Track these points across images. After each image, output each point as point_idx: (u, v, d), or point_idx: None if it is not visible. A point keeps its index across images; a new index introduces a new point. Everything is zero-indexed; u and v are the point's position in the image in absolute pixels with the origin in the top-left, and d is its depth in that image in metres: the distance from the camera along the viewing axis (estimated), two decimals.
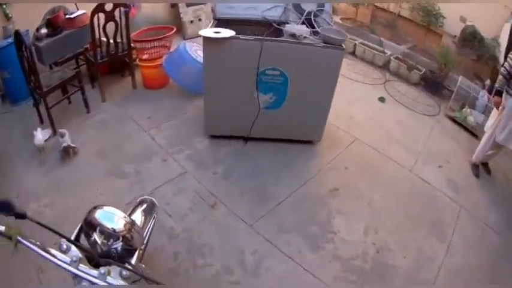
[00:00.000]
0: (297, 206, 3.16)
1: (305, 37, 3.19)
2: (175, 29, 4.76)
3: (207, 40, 3.10)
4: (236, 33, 3.06)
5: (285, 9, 3.43)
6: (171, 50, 4.60)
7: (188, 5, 6.02)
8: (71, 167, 3.37)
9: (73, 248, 1.08)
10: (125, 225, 1.26)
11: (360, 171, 3.69)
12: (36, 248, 0.98)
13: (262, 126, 3.51)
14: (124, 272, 1.09)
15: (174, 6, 6.12)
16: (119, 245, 1.22)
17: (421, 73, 5.66)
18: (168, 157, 3.51)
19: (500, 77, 3.79)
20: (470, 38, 5.63)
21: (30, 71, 3.44)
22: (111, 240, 1.21)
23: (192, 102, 4.28)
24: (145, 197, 2.19)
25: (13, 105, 4.13)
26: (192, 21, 6.10)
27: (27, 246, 0.95)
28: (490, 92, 5.26)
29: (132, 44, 4.30)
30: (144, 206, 2.02)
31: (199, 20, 6.18)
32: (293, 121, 3.56)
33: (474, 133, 4.94)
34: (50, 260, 1.02)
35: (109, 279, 1.01)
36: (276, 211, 3.07)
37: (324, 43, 3.17)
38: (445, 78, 5.59)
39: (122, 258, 1.27)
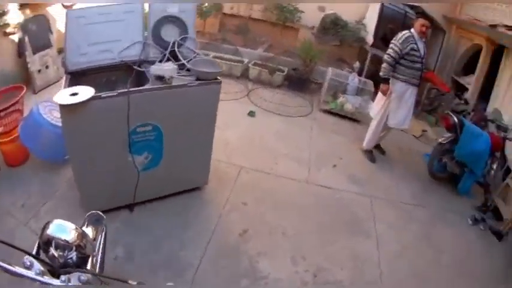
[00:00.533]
0: (215, 265, 3.08)
1: (173, 77, 3.05)
2: (25, 89, 4.41)
3: (63, 107, 2.76)
4: (96, 87, 2.77)
5: (144, 45, 3.24)
6: (25, 113, 4.25)
7: (34, 52, 5.66)
8: None
9: (35, 262, 1.31)
10: (76, 235, 1.50)
11: (260, 203, 3.74)
12: (4, 265, 1.19)
13: (146, 188, 3.31)
14: (82, 277, 1.34)
15: (21, 56, 5.67)
16: (73, 255, 1.45)
17: (284, 74, 5.95)
18: None
19: (384, 64, 4.12)
20: (332, 26, 6.37)
21: None
22: (66, 251, 1.43)
23: (58, 175, 4.00)
24: (92, 211, 2.36)
25: None
26: (39, 71, 5.78)
27: None
28: (359, 74, 6.08)
29: None
30: (92, 219, 2.29)
31: (47, 67, 5.89)
32: (176, 174, 3.43)
33: (355, 119, 5.47)
34: (17, 274, 1.25)
35: (70, 285, 1.29)
36: (199, 280, 2.97)
37: (197, 79, 3.07)
38: (311, 72, 5.97)
39: (78, 267, 1.48)
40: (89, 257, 1.62)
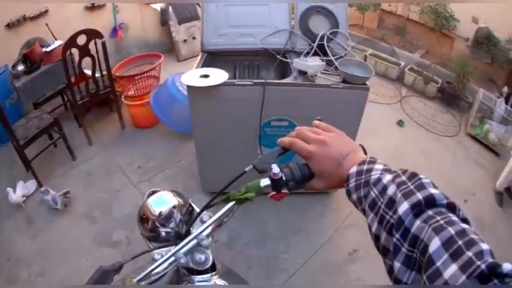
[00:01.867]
0: (310, 278, 2.98)
1: (318, 75, 2.80)
2: (163, 57, 4.58)
3: (191, 88, 2.73)
4: (234, 70, 2.79)
5: (291, 34, 3.10)
6: (160, 80, 4.46)
7: (180, 23, 5.89)
8: (58, 229, 3.29)
9: (163, 250, 1.18)
10: (172, 195, 1.39)
11: None
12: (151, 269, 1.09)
13: None
14: (205, 217, 1.24)
15: (164, 24, 6.00)
16: (178, 216, 1.33)
17: (438, 86, 5.59)
18: None
19: None
20: (485, 41, 5.79)
21: (4, 125, 3.29)
22: (171, 219, 1.31)
23: (186, 145, 4.13)
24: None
25: (1, 146, 4.08)
26: (185, 41, 6.02)
27: (146, 278, 1.09)
28: (506, 101, 5.48)
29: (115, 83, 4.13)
30: None
31: (193, 38, 6.07)
32: None
33: (496, 151, 5.08)
34: (168, 262, 1.12)
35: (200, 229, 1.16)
36: (289, 285, 2.91)
37: (344, 82, 2.77)
38: (464, 89, 5.47)
39: (188, 222, 1.35)
40: (190, 207, 1.46)
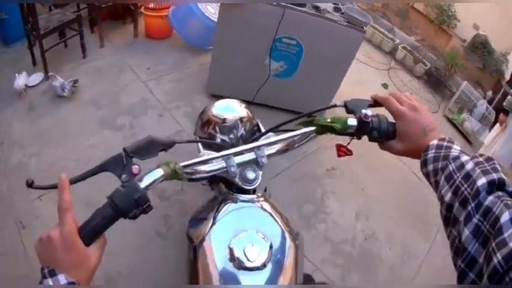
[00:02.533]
0: (293, 181, 3.33)
1: (328, 12, 3.29)
2: None
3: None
4: None
5: None
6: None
7: None
8: (62, 114, 3.40)
9: (214, 153, 1.07)
10: (241, 107, 1.35)
11: (358, 155, 3.91)
12: (202, 161, 0.98)
13: (268, 93, 3.60)
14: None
15: None
16: (242, 130, 1.30)
17: (426, 68, 5.94)
18: (165, 112, 3.62)
19: (510, 97, 4.33)
20: (480, 47, 6.11)
21: (29, 13, 3.41)
22: (234, 130, 1.29)
23: (194, 58, 4.39)
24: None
25: (6, 46, 4.10)
26: None
27: (194, 166, 0.97)
28: (490, 103, 5.88)
29: None
30: None
31: None
32: (300, 93, 3.69)
33: (469, 140, 5.33)
34: (220, 156, 1.03)
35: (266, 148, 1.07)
36: (273, 183, 3.20)
37: (347, 22, 3.27)
38: (449, 78, 5.85)
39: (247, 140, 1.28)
40: (256, 126, 1.43)
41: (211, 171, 1.02)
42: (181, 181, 0.93)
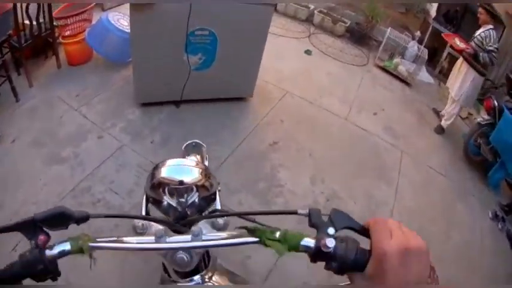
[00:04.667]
0: (240, 164, 3.38)
1: None
2: (94, 2, 4.88)
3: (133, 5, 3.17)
4: None
5: None
6: (93, 22, 4.70)
7: None
8: (8, 162, 3.35)
9: (150, 224, 1.02)
10: (200, 172, 1.16)
11: (296, 124, 3.97)
12: (114, 245, 0.87)
13: (194, 88, 3.65)
14: (219, 221, 1.03)
15: None
16: (195, 197, 1.12)
17: (346, 25, 6.03)
18: (103, 133, 3.63)
19: (489, 62, 4.35)
20: None
21: None
22: (186, 195, 1.10)
23: (118, 73, 4.42)
24: (190, 141, 2.11)
25: None
26: None
27: (103, 248, 0.85)
28: (420, 43, 6.12)
29: (54, 23, 4.31)
30: (190, 147, 2.06)
31: None
32: (224, 79, 3.74)
33: (407, 82, 5.57)
34: (135, 249, 0.95)
35: (204, 237, 0.90)
36: (220, 171, 3.24)
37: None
38: (372, 30, 5.96)
39: (202, 211, 1.18)
40: (215, 194, 1.27)
41: (132, 248, 0.95)
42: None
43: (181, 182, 1.08)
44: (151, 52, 3.45)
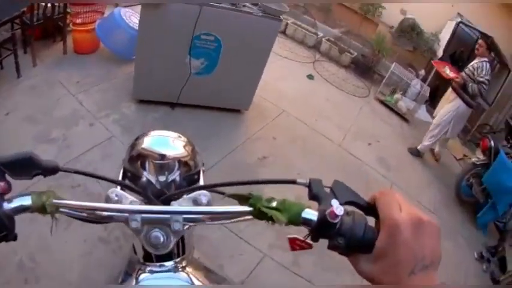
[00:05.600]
0: (227, 172, 3.35)
1: (244, 5, 3.40)
2: (108, 3, 4.96)
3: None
4: None
5: None
6: (105, 15, 4.81)
7: None
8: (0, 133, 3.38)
9: (125, 197, 0.87)
10: (184, 146, 1.05)
11: (289, 142, 3.97)
12: (83, 203, 0.76)
13: (191, 92, 3.68)
14: (203, 200, 0.89)
15: None
16: (177, 175, 1.02)
17: (352, 56, 6.10)
18: (95, 121, 3.65)
19: (477, 92, 4.38)
20: (409, 30, 6.25)
21: None
22: (167, 172, 1.01)
23: (120, 68, 4.47)
24: None
25: None
26: None
27: (69, 207, 0.75)
28: (423, 81, 6.18)
29: (68, 9, 4.44)
30: None
31: None
32: (222, 88, 3.77)
33: (405, 118, 5.63)
34: (106, 211, 0.79)
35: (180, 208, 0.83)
36: (204, 178, 3.34)
37: (263, 13, 3.40)
38: (377, 63, 6.02)
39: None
40: (199, 172, 1.14)
41: (103, 218, 0.78)
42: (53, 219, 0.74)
43: (162, 156, 0.97)
44: (156, 51, 3.50)
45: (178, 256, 0.94)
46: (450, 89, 4.69)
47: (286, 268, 2.80)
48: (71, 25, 4.66)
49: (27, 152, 0.73)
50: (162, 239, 0.79)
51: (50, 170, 0.76)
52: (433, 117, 5.06)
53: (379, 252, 0.59)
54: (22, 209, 0.70)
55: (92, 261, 2.54)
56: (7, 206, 0.68)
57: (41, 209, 0.71)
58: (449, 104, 4.60)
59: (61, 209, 0.72)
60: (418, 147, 4.81)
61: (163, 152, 0.98)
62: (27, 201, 0.70)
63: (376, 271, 0.60)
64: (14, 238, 0.68)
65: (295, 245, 0.72)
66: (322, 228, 0.64)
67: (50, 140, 3.37)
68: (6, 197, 0.69)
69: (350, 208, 0.66)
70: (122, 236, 2.65)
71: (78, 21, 4.62)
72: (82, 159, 3.21)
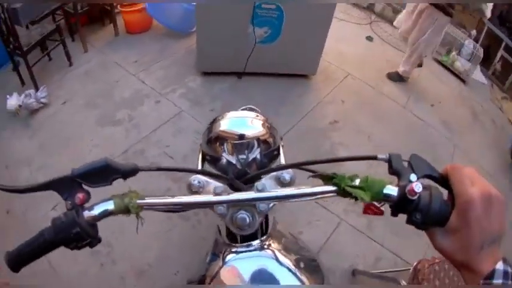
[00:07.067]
0: (300, 137, 3.37)
1: None
2: None
3: None
4: None
5: None
6: None
7: None
8: (59, 123, 3.40)
9: (208, 182, 0.88)
10: (262, 125, 1.06)
11: (357, 106, 3.93)
12: (168, 200, 0.78)
13: (257, 61, 3.64)
14: (285, 177, 0.89)
15: None
16: (257, 153, 1.02)
17: None
18: (161, 98, 3.65)
19: None
20: None
21: (9, 34, 3.38)
22: (247, 151, 1.01)
23: (179, 42, 4.44)
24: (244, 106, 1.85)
25: None
26: None
27: (155, 206, 0.77)
28: (476, 42, 6.04)
29: None
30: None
31: None
32: (288, 55, 3.72)
33: (462, 79, 5.59)
34: (193, 204, 0.82)
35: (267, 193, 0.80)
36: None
37: None
38: None
39: (264, 167, 1.06)
40: (278, 149, 1.16)
41: (188, 204, 0.80)
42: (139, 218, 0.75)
43: (241, 136, 1.00)
44: (217, 22, 3.47)
45: (262, 234, 0.95)
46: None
47: (362, 232, 2.80)
48: (119, 7, 4.62)
49: (103, 160, 0.71)
50: (248, 220, 0.81)
51: (129, 172, 0.75)
52: None
53: (452, 227, 0.62)
54: (105, 215, 0.71)
55: (171, 239, 2.58)
56: (88, 214, 0.69)
57: (124, 211, 0.72)
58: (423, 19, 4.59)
59: (145, 207, 0.74)
60: (400, 72, 4.66)
61: (241, 132, 1.02)
62: (109, 206, 0.71)
63: (449, 247, 0.63)
64: (98, 242, 0.70)
65: (369, 209, 0.81)
66: (402, 205, 0.67)
67: (115, 122, 3.41)
68: (87, 204, 0.70)
69: (426, 182, 0.68)
70: (201, 211, 2.63)
71: (126, 3, 4.58)
72: (152, 137, 3.25)
